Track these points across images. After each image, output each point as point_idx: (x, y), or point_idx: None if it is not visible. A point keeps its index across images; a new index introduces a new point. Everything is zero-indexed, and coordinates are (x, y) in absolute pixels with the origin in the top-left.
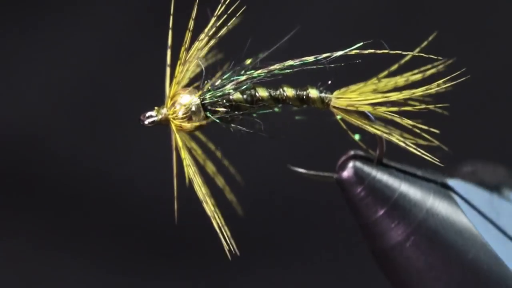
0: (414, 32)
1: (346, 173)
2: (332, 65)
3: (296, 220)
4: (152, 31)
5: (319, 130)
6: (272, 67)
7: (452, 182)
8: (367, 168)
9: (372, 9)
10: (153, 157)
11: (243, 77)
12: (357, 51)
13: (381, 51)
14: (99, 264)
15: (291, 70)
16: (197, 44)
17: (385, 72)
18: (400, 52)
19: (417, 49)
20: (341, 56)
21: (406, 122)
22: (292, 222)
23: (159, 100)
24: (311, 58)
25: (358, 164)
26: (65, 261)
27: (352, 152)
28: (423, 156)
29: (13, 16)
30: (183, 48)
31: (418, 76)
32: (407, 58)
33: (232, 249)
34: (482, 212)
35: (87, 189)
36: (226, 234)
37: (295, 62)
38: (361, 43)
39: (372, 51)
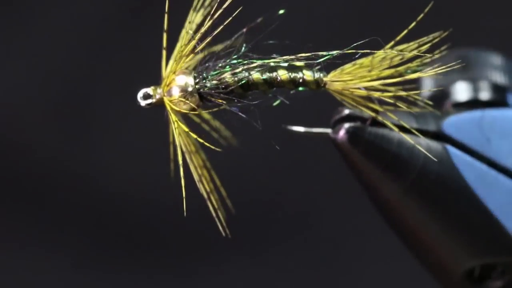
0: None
1: (341, 138)
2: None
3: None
4: (130, 21)
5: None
6: (267, 61)
7: (445, 125)
8: (361, 131)
9: None
10: (131, 155)
11: (239, 68)
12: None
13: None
14: (77, 259)
15: (287, 64)
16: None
17: (380, 52)
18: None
19: (413, 23)
20: (337, 43)
21: (401, 94)
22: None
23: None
24: (307, 54)
25: (352, 127)
26: (42, 256)
27: (346, 112)
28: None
29: None
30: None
31: (411, 54)
32: (403, 34)
33: (225, 231)
34: (474, 150)
35: (64, 186)
36: (220, 213)
37: (291, 56)
38: (358, 43)
39: (368, 51)
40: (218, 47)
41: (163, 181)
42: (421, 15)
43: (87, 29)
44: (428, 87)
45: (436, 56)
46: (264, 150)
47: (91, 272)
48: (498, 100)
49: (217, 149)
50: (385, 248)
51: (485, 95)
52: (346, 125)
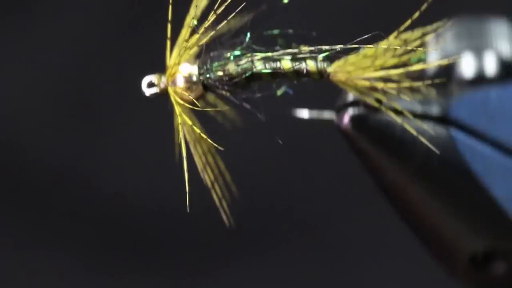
0: None
1: (345, 124)
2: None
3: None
4: (134, 21)
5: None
6: (270, 54)
7: (450, 108)
8: (365, 117)
9: None
10: (134, 159)
11: (243, 60)
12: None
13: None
14: (79, 261)
15: (289, 56)
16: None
17: (384, 42)
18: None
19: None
20: (342, 33)
21: (405, 85)
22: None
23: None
24: (311, 48)
25: (357, 113)
26: (43, 257)
27: (350, 97)
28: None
29: None
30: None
31: (415, 42)
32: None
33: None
34: (480, 132)
35: (67, 190)
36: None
37: (295, 50)
38: (362, 38)
39: (371, 46)
40: (222, 37)
41: (166, 183)
42: (425, 5)
43: (91, 29)
44: (433, 61)
45: (440, 27)
46: (269, 146)
47: (93, 273)
48: (504, 76)
49: (220, 147)
50: (389, 249)
51: (491, 71)
52: (350, 111)
